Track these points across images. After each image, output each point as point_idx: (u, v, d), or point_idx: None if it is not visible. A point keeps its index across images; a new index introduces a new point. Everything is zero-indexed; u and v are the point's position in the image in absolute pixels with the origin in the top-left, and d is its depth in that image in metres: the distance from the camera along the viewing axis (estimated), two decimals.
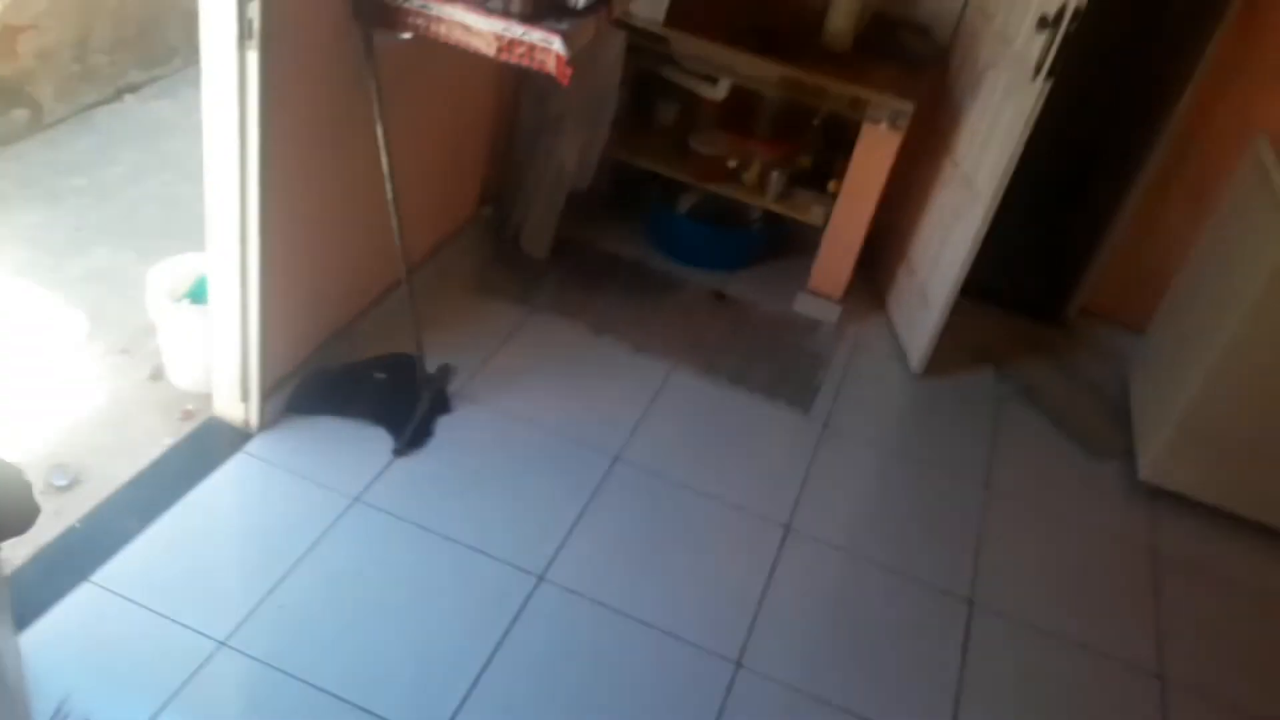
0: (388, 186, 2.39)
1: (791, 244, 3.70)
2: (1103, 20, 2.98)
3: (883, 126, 3.08)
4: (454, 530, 2.38)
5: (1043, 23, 2.67)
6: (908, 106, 3.02)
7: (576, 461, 2.66)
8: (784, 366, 3.20)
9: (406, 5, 2.11)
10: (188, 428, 2.47)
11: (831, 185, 3.35)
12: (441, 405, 2.72)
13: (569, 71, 2.06)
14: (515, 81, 3.24)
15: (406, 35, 2.17)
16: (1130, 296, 3.57)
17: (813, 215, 3.38)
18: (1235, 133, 3.17)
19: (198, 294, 2.51)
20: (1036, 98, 2.72)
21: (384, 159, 2.34)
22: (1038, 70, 2.70)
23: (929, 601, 2.53)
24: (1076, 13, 2.60)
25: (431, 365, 2.78)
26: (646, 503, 2.60)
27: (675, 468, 2.72)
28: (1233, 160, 3.17)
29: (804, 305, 3.45)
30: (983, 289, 3.46)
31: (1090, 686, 2.42)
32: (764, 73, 3.09)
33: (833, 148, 3.42)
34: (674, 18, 3.09)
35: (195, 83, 2.08)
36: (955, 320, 3.19)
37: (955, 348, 3.37)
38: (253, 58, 1.97)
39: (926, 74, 3.23)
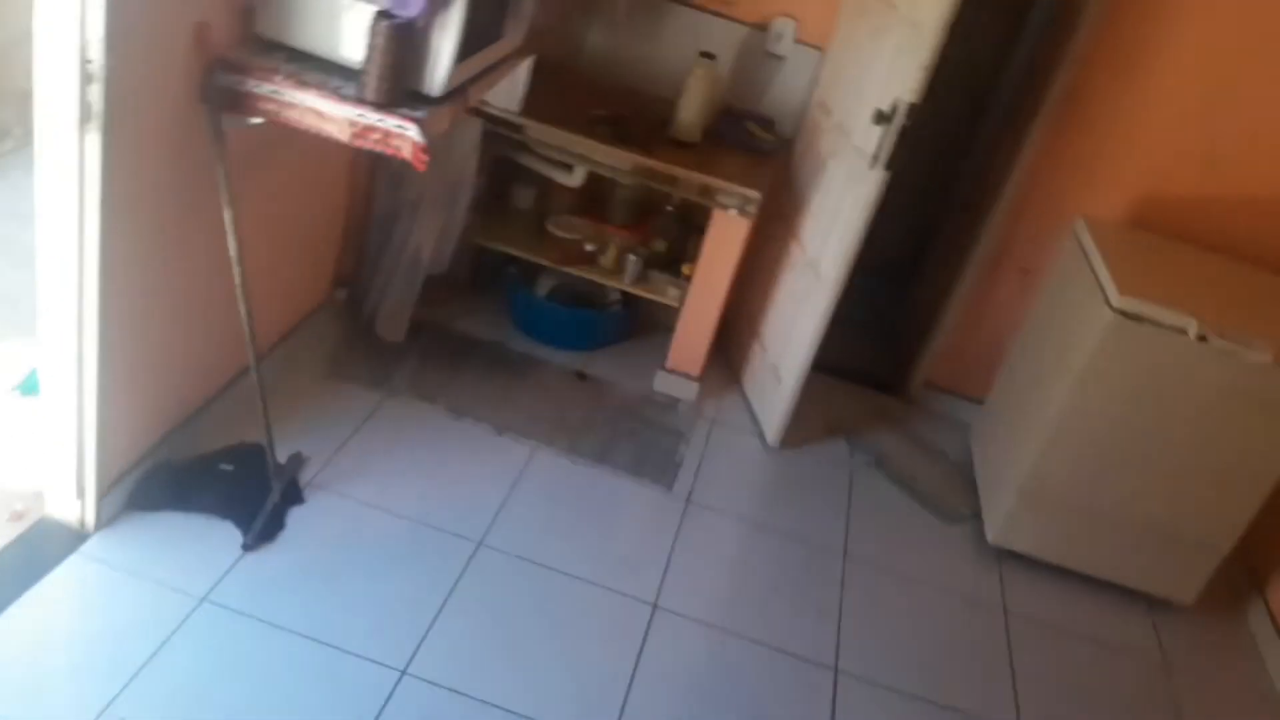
0: (236, 271, 2.32)
1: (649, 324, 3.77)
2: (936, 114, 3.20)
3: (732, 213, 3.19)
4: (310, 627, 2.28)
5: (879, 117, 2.85)
6: (755, 195, 3.15)
7: (437, 549, 2.60)
8: (646, 444, 3.23)
9: (256, 90, 2.08)
10: (17, 529, 2.31)
11: (685, 268, 3.45)
12: (294, 496, 2.63)
13: (425, 158, 2.07)
14: (370, 166, 3.22)
15: (257, 120, 2.14)
16: (969, 368, 3.77)
17: (668, 297, 3.46)
18: (1056, 215, 3.43)
19: (28, 386, 2.37)
20: (875, 186, 2.89)
21: (232, 243, 2.29)
22: (875, 161, 2.87)
23: (796, 672, 2.56)
24: (910, 108, 2.78)
25: (283, 454, 2.68)
26: (511, 588, 2.56)
27: (540, 550, 2.69)
28: (1055, 240, 3.42)
29: (663, 384, 3.51)
30: (832, 365, 3.59)
31: None
32: (618, 161, 3.18)
33: (687, 232, 3.52)
34: (530, 106, 3.15)
35: (28, 166, 2.00)
36: (808, 395, 3.30)
37: (809, 421, 3.48)
38: (93, 140, 1.90)
39: (772, 163, 3.38)
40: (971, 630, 2.88)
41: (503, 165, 3.49)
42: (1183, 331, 2.73)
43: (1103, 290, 2.84)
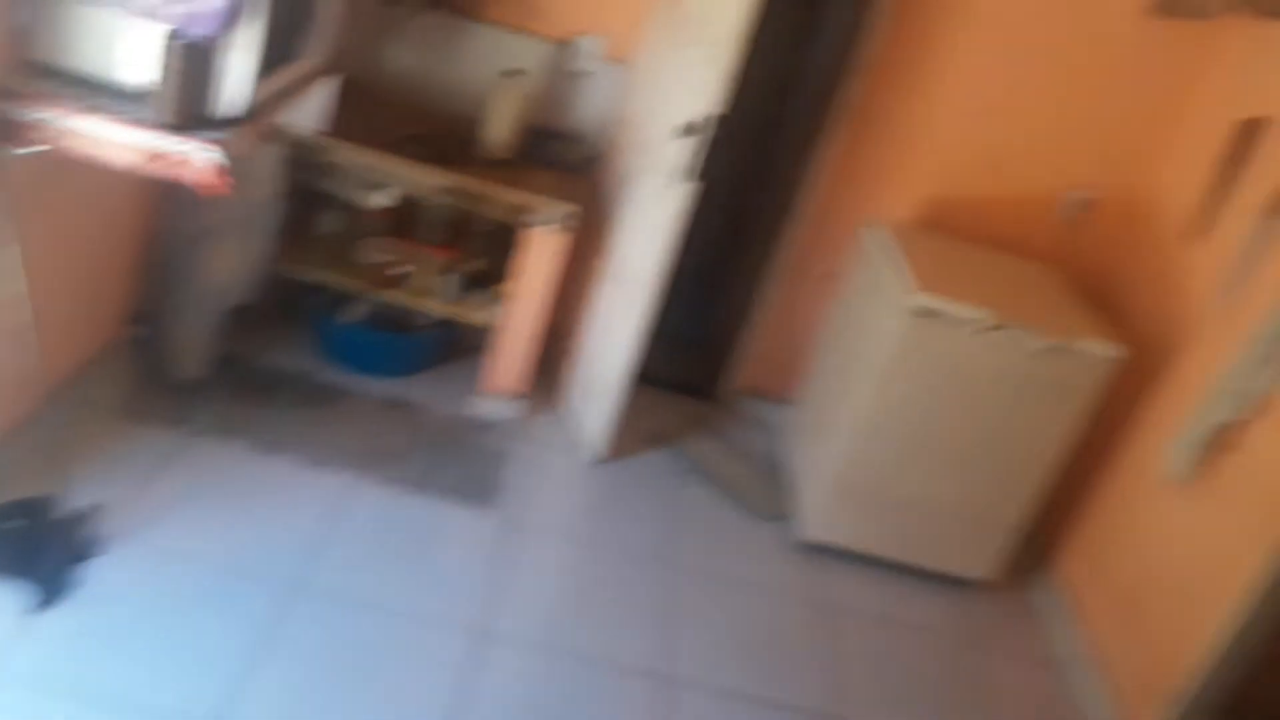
0: (25, 309, 2.15)
1: (468, 346, 3.73)
2: (741, 125, 3.33)
3: (545, 230, 3.21)
4: (109, 692, 2.13)
5: (685, 130, 2.94)
6: (568, 210, 3.18)
7: (247, 595, 2.48)
8: (467, 468, 3.20)
9: (32, 119, 1.94)
10: None
11: (503, 288, 3.44)
12: (87, 549, 2.44)
13: (227, 182, 1.99)
14: (164, 193, 3.05)
15: (40, 148, 1.99)
16: (778, 372, 3.94)
17: (486, 317, 3.44)
18: (853, 219, 3.63)
19: None
20: (684, 198, 2.98)
21: (20, 280, 2.11)
22: (683, 173, 2.96)
23: (629, 684, 2.59)
24: (716, 119, 2.88)
25: (74, 504, 2.50)
26: (328, 630, 2.47)
27: (360, 588, 2.61)
28: (853, 244, 3.62)
29: (483, 405, 3.48)
30: (650, 375, 3.66)
31: None
32: (426, 181, 3.14)
33: (502, 251, 3.51)
34: (335, 127, 3.07)
35: None
36: (628, 407, 3.35)
37: (630, 433, 3.54)
38: None
39: (583, 179, 3.42)
40: (794, 625, 3.00)
41: (308, 189, 3.38)
42: (975, 323, 2.95)
43: (900, 289, 3.03)
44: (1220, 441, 2.79)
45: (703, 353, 4.33)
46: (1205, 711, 2.69)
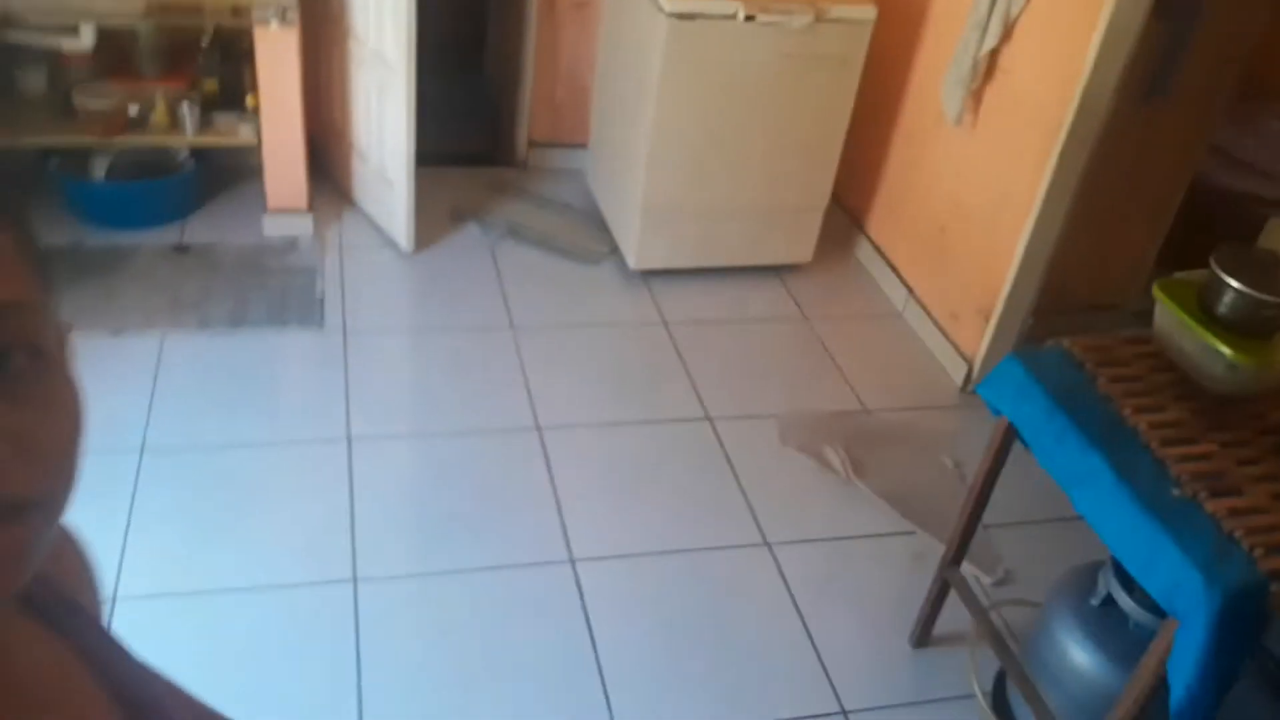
0: None
1: (237, 172, 3.49)
2: None
3: (273, 26, 2.95)
4: None
5: None
6: (283, 1, 2.91)
7: (97, 473, 2.37)
8: (279, 292, 3.06)
9: None
10: None
11: (249, 100, 3.18)
12: None
13: None
14: None
15: None
16: (564, 117, 3.84)
17: (242, 135, 3.19)
18: None
19: None
20: None
21: None
22: None
23: (504, 444, 2.65)
24: None
25: None
26: (194, 482, 2.41)
27: (210, 434, 2.53)
28: None
29: (273, 226, 3.30)
30: (435, 154, 3.52)
31: (658, 449, 2.71)
32: (124, 7, 2.81)
33: (237, 63, 3.22)
34: None
35: None
36: (423, 191, 3.24)
37: (434, 216, 3.44)
38: None
39: None
40: (641, 350, 3.09)
41: None
42: (731, 17, 2.91)
43: (654, 0, 2.95)
44: (982, 72, 2.90)
45: (482, 118, 4.18)
46: (1017, 315, 2.95)
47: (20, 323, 0.49)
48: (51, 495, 0.50)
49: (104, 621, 0.70)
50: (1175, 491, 1.61)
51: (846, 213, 3.73)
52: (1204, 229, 3.19)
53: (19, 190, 0.45)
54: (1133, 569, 1.63)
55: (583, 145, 3.82)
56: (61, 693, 0.57)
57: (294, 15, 2.95)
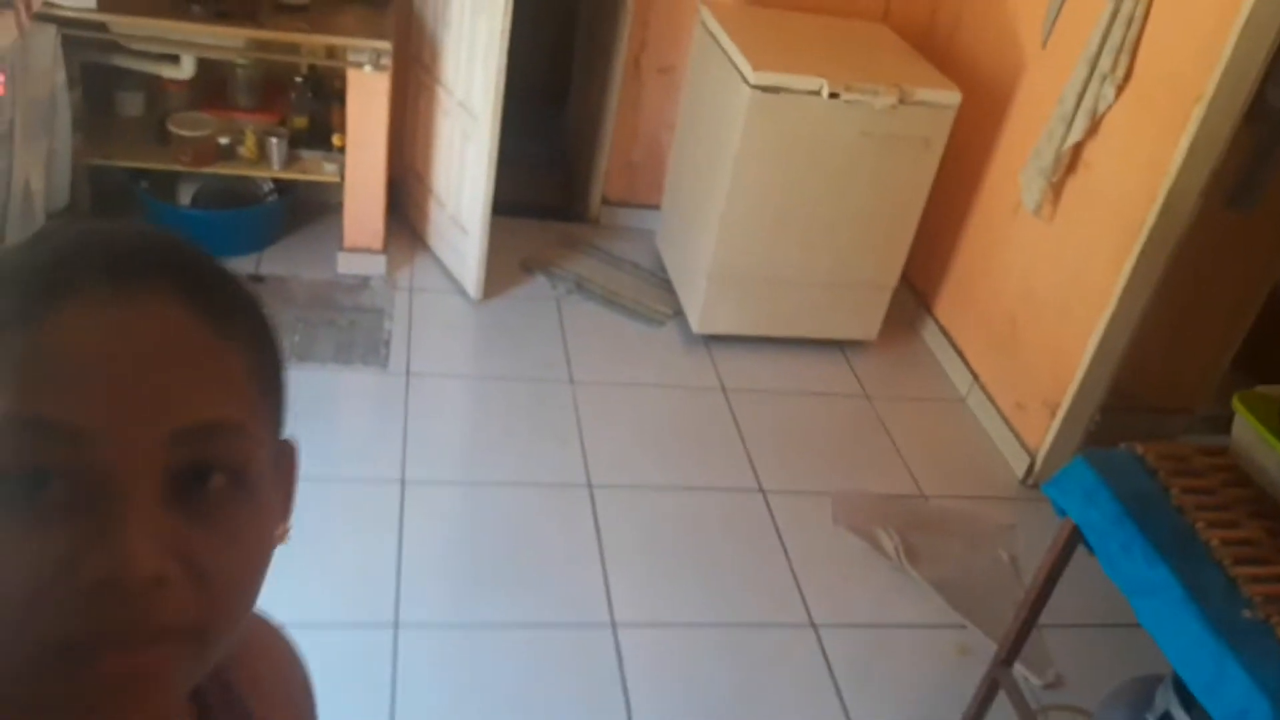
0: None
1: (316, 208, 3.57)
2: None
3: (367, 70, 3.03)
4: None
5: None
6: (385, 45, 3.00)
7: None
8: (347, 329, 3.11)
9: None
10: None
11: (336, 139, 3.26)
12: None
13: None
14: None
15: None
16: (639, 178, 3.88)
17: (326, 173, 3.27)
18: (680, 9, 3.52)
19: None
20: (504, 10, 2.82)
21: None
22: None
23: (553, 498, 2.64)
24: None
25: None
26: None
27: None
28: (685, 34, 3.52)
29: (347, 264, 3.36)
30: (510, 204, 3.57)
31: (709, 517, 2.68)
32: (226, 40, 2.91)
33: (328, 102, 3.31)
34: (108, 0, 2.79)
35: None
36: (496, 240, 3.28)
37: (504, 266, 3.48)
38: None
39: (392, 9, 3.22)
40: (698, 414, 3.08)
41: (97, 72, 3.10)
42: (816, 93, 2.93)
43: (738, 71, 2.98)
44: (1064, 164, 2.88)
45: (559, 171, 4.24)
46: (1085, 411, 2.89)
47: (229, 445, 0.48)
48: (209, 627, 0.48)
49: None
50: (1247, 613, 1.55)
51: (915, 293, 3.70)
52: None
53: (268, 315, 0.48)
54: (1195, 689, 1.57)
55: (655, 207, 3.85)
56: None
57: (387, 60, 3.03)
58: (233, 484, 0.48)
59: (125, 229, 0.51)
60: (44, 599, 0.44)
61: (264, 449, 0.52)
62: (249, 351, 0.50)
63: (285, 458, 0.57)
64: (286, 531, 0.57)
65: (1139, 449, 1.84)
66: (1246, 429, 1.75)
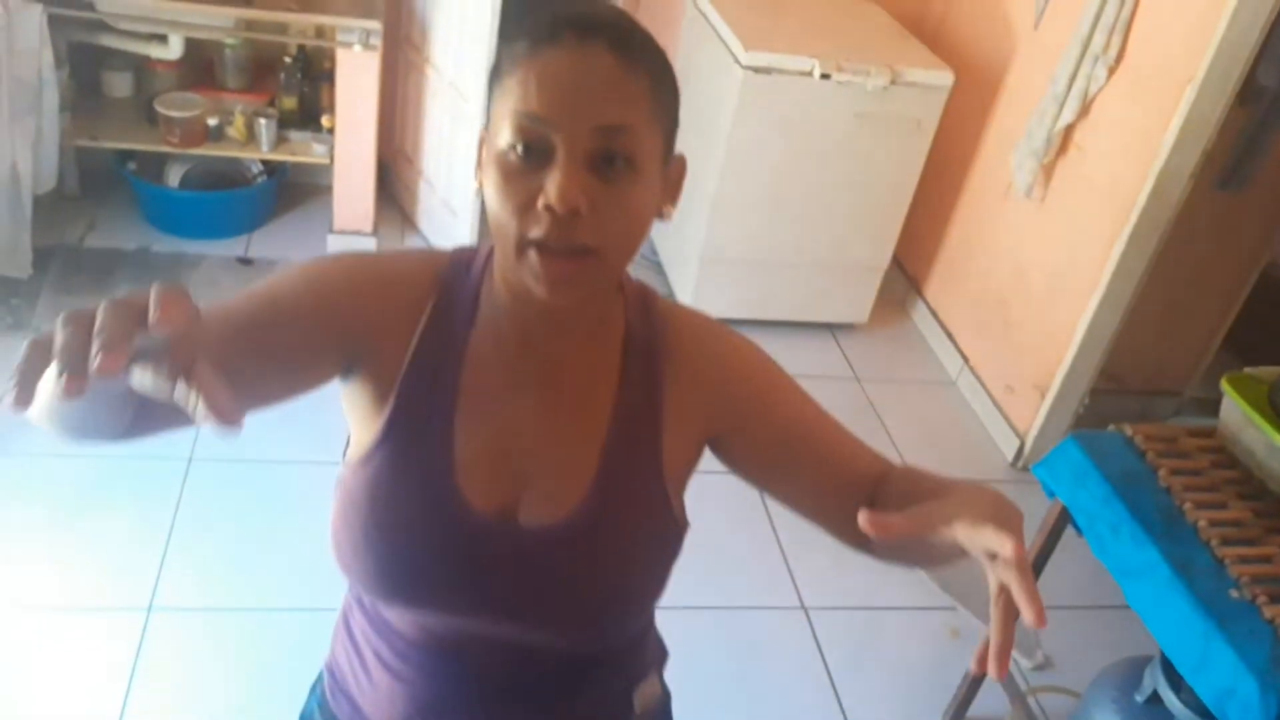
0: None
1: (306, 189, 3.55)
2: None
3: (356, 49, 3.01)
4: (33, 601, 2.07)
5: None
6: (375, 24, 2.97)
7: (141, 477, 2.40)
8: None
9: None
10: None
11: (325, 120, 3.24)
12: None
13: None
14: None
15: None
16: None
17: (315, 155, 3.25)
18: None
19: None
20: None
21: None
22: None
23: None
24: None
25: None
26: (240, 493, 2.43)
27: (258, 447, 2.55)
28: (677, 12, 3.50)
29: (337, 246, 3.33)
30: None
31: (697, 500, 2.67)
32: (213, 19, 2.88)
33: (317, 83, 3.29)
34: None
35: None
36: (485, 220, 3.25)
37: None
38: None
39: None
40: None
41: (85, 52, 3.07)
42: (808, 74, 2.92)
43: (729, 51, 2.97)
44: (1056, 146, 2.88)
45: None
46: (1074, 393, 2.90)
47: (628, 141, 0.77)
48: (604, 252, 0.78)
49: None
50: (1234, 593, 1.56)
51: (906, 275, 3.70)
52: (1271, 320, 3.12)
53: (669, 65, 0.64)
54: (1183, 669, 1.58)
55: None
56: None
57: (377, 40, 3.00)
58: (629, 168, 0.77)
59: (590, 5, 0.79)
60: (524, 213, 0.76)
61: (655, 150, 0.80)
62: (652, 85, 0.79)
63: (676, 166, 0.86)
64: (671, 213, 0.87)
65: (1128, 430, 1.84)
66: (1235, 411, 1.76)
